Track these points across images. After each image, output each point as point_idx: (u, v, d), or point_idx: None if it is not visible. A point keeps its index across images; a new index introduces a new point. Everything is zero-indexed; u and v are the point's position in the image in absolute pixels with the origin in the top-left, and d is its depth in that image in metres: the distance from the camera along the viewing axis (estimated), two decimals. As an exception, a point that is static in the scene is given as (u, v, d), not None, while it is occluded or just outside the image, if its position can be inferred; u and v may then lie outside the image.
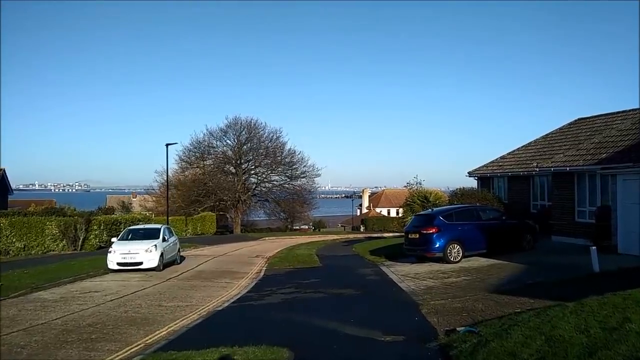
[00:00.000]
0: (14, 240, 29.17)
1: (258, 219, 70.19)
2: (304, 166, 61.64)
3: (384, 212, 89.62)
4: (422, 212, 21.77)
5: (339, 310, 11.80)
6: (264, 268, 21.83)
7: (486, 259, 18.31)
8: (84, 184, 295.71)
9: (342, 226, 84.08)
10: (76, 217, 31.87)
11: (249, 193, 60.33)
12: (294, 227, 67.88)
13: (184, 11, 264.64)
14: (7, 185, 49.49)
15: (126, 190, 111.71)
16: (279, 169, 61.46)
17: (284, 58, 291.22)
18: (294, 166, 61.23)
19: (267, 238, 45.80)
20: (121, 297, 14.24)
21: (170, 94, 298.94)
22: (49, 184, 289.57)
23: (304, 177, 62.01)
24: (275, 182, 62.70)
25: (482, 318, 9.63)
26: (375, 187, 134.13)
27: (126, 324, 10.64)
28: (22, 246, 29.34)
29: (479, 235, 18.86)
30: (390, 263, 20.39)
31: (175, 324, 10.70)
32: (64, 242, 30.46)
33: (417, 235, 18.98)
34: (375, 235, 49.09)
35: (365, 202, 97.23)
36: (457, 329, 8.72)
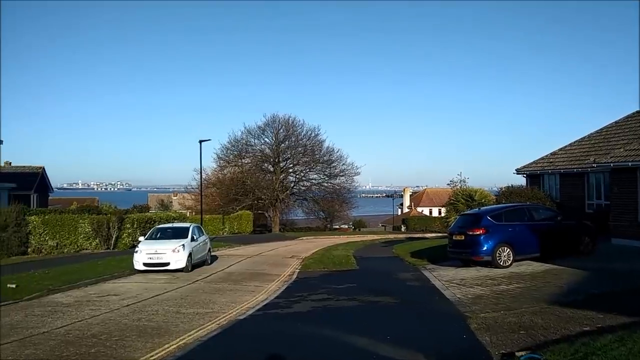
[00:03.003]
0: (46, 238, 28.72)
1: (297, 218, 69.29)
2: (343, 164, 60.43)
3: (426, 211, 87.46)
4: (467, 212, 20.12)
5: (374, 324, 10.36)
6: (298, 270, 20.57)
7: (540, 263, 16.61)
8: (126, 183, 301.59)
9: (382, 226, 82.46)
10: (109, 216, 31.30)
11: (287, 192, 59.38)
12: (333, 227, 66.65)
13: (225, 9, 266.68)
14: (47, 184, 49.92)
15: (170, 189, 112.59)
16: (318, 167, 60.38)
17: (323, 56, 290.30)
18: (333, 164, 60.04)
19: (304, 238, 44.68)
20: (139, 302, 13.17)
21: (209, 91, 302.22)
22: (92, 182, 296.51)
23: (342, 176, 60.77)
24: (313, 181, 61.65)
25: (544, 338, 8.07)
26: (417, 186, 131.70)
27: (135, 335, 9.49)
28: (55, 244, 28.85)
29: (532, 237, 17.10)
30: (432, 267, 18.85)
31: (189, 336, 9.49)
32: (97, 240, 29.90)
33: (463, 237, 17.37)
34: (417, 235, 47.41)
35: (407, 202, 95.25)
36: (516, 353, 7.19)
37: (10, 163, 48.72)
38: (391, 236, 49.01)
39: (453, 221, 21.48)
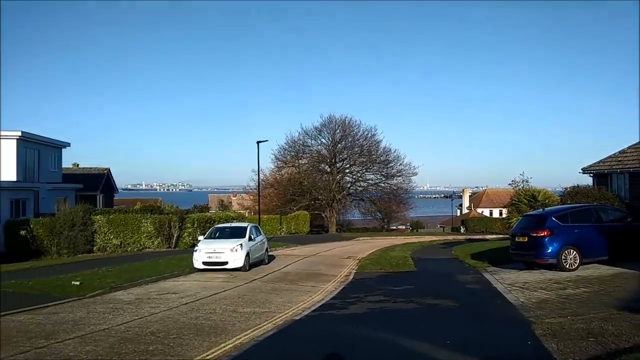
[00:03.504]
0: (111, 237, 29.68)
1: (353, 218, 69.06)
2: (400, 164, 59.76)
3: (486, 212, 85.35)
4: (531, 213, 19.40)
5: (433, 328, 10.06)
6: (354, 271, 20.39)
7: (608, 267, 15.79)
8: (187, 184, 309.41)
9: (441, 227, 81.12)
10: (170, 215, 32.04)
11: (344, 192, 59.24)
12: (391, 228, 66.06)
13: (279, 9, 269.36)
14: (112, 185, 51.70)
15: (229, 190, 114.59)
16: (374, 168, 59.97)
17: (378, 56, 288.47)
18: (390, 164, 59.46)
19: (361, 238, 44.44)
20: (197, 300, 13.33)
21: (267, 93, 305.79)
22: (155, 183, 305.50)
23: (400, 176, 60.11)
24: (370, 181, 61.28)
25: (615, 346, 7.58)
26: (476, 187, 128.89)
27: (192, 333, 9.56)
28: (119, 243, 29.79)
29: (599, 239, 16.29)
30: (494, 269, 18.26)
31: (245, 335, 9.47)
32: (158, 239, 30.65)
33: (526, 239, 16.74)
34: (477, 237, 46.37)
35: (466, 202, 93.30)
36: (586, 362, 6.78)
37: (77, 165, 50.76)
38: (450, 237, 48.10)
39: (515, 222, 20.79)
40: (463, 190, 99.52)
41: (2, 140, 31.96)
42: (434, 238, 45.72)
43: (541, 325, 9.37)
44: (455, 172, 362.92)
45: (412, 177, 61.45)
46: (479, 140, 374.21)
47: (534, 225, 16.76)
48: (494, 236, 46.44)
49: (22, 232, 26.89)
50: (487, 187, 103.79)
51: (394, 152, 59.81)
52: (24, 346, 8.29)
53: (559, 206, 20.19)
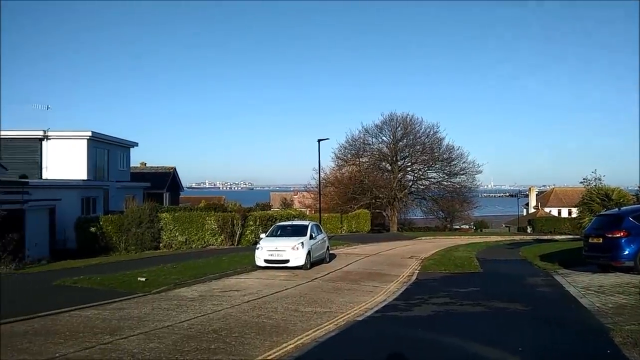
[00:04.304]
0: (176, 234, 30.34)
1: (415, 217, 68.11)
2: (463, 162, 58.43)
3: (554, 212, 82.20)
4: (606, 212, 18.39)
5: (503, 333, 9.58)
6: (417, 271, 19.94)
7: (693, 271, 14.72)
8: (249, 183, 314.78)
9: (506, 227, 78.83)
10: (233, 213, 32.45)
11: (406, 191, 58.47)
12: (454, 227, 64.73)
13: (344, 9, 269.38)
14: (178, 183, 53.05)
15: (290, 189, 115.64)
16: (437, 166, 58.87)
17: (441, 53, 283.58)
18: (453, 162, 58.24)
19: (423, 238, 43.70)
20: (259, 298, 13.30)
21: (326, 91, 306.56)
22: (218, 182, 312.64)
23: (463, 174, 58.79)
24: (432, 180, 60.25)
25: None
26: (543, 185, 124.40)
27: (253, 332, 9.48)
28: (184, 240, 30.41)
29: (682, 240, 15.23)
30: (565, 272, 17.41)
31: (307, 336, 9.30)
32: (222, 236, 31.09)
33: (601, 240, 15.86)
34: (545, 237, 44.77)
35: (533, 201, 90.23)
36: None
37: (145, 164, 52.41)
38: (516, 238, 46.64)
39: (588, 222, 19.83)
40: (529, 188, 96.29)
41: (73, 140, 33.28)
42: (499, 238, 44.45)
43: (620, 333, 8.75)
44: (520, 170, 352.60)
45: (475, 175, 60.09)
46: (546, 137, 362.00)
47: (610, 226, 15.87)
48: (563, 237, 44.70)
49: (92, 229, 27.85)
50: (554, 185, 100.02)
51: (457, 149, 58.61)
52: (90, 342, 8.42)
53: (636, 205, 19.07)
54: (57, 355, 7.55)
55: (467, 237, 47.04)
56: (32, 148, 33.17)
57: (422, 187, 60.91)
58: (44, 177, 32.47)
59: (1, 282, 9.69)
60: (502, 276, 18.39)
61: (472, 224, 70.78)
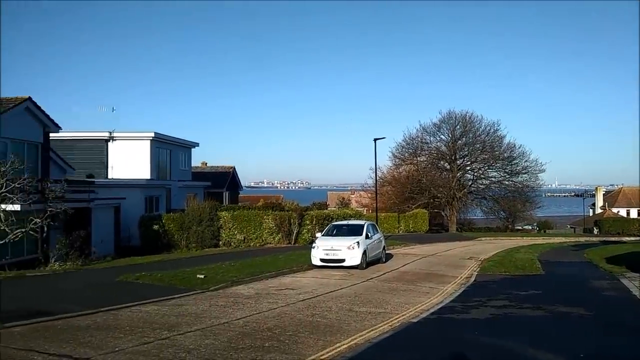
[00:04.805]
0: (235, 232, 30.83)
1: (475, 217, 66.71)
2: (526, 161, 56.61)
3: (622, 212, 78.63)
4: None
5: (563, 338, 9.23)
6: (476, 273, 19.53)
7: None
8: (306, 182, 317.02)
9: (571, 227, 76.09)
10: (290, 212, 32.68)
11: (465, 190, 57.28)
12: (515, 228, 62.96)
13: (397, 6, 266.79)
14: (237, 182, 53.93)
15: (347, 188, 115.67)
16: (497, 165, 57.34)
17: (500, 50, 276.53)
18: (514, 161, 56.54)
19: (483, 238, 42.77)
20: (314, 297, 13.34)
21: (385, 90, 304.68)
22: (275, 181, 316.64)
23: (525, 173, 56.97)
24: (493, 179, 58.72)
25: None
26: (611, 185, 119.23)
27: (307, 331, 9.51)
28: (243, 238, 30.85)
29: None
30: (633, 275, 16.64)
31: (360, 336, 9.25)
32: (279, 235, 31.37)
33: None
34: (612, 239, 42.96)
35: (599, 202, 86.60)
36: None
37: (206, 163, 53.55)
38: (582, 239, 45.00)
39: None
40: (596, 188, 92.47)
41: (137, 141, 34.39)
42: (563, 239, 43.00)
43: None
44: (586, 169, 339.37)
45: (538, 175, 58.09)
46: (612, 136, 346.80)
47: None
48: (631, 238, 42.83)
49: (155, 227, 28.70)
50: (623, 185, 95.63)
51: (519, 147, 56.85)
52: (148, 337, 8.65)
53: None
54: (117, 349, 7.81)
55: (529, 238, 45.75)
56: (99, 149, 34.46)
57: (482, 186, 59.49)
58: (109, 176, 33.68)
59: (1, 286, 10.11)
60: (566, 279, 17.76)
61: (534, 224, 68.68)
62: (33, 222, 19.30)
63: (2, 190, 18.60)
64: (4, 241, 18.80)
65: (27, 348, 7.71)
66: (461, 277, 18.20)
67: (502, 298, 13.64)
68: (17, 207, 18.93)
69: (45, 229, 20.52)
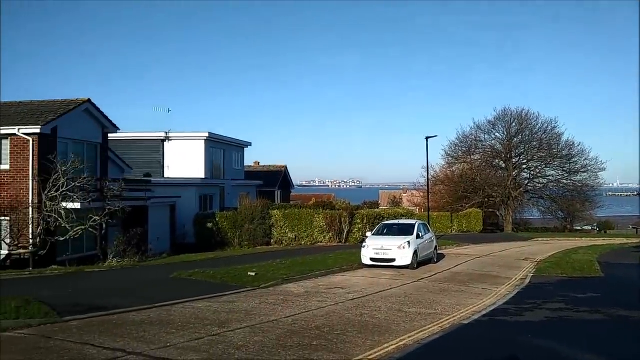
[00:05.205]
0: (286, 231, 31.12)
1: (532, 217, 64.84)
2: (585, 159, 54.54)
3: (691, 212, 74.89)
4: None
5: (622, 344, 8.87)
6: (531, 274, 19.01)
7: None
8: (357, 181, 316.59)
9: (633, 228, 72.95)
10: (341, 211, 32.71)
11: (521, 189, 55.76)
12: (574, 228, 60.90)
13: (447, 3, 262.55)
14: (289, 181, 54.43)
15: (399, 187, 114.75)
16: (555, 163, 55.51)
17: (556, 47, 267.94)
18: (573, 159, 54.61)
19: (540, 239, 41.59)
20: (363, 297, 13.30)
21: (437, 87, 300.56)
22: (327, 180, 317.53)
23: (584, 172, 54.91)
24: (550, 178, 56.87)
25: None
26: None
27: (355, 330, 9.48)
28: (294, 237, 31.11)
29: None
30: (701, 279, 15.82)
31: (409, 337, 9.15)
32: (330, 234, 31.45)
33: None
34: (679, 240, 40.89)
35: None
36: None
37: (258, 163, 54.28)
38: (645, 240, 43.07)
39: None
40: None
41: (192, 141, 35.18)
42: (625, 240, 41.25)
43: None
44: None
45: (599, 173, 55.89)
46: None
47: None
48: (701, 240, 40.66)
49: (209, 225, 29.31)
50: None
51: (578, 145, 54.88)
52: (199, 333, 8.83)
53: None
54: (169, 344, 8.00)
55: (588, 238, 44.16)
56: (155, 148, 35.46)
57: (539, 185, 57.76)
58: (165, 175, 34.60)
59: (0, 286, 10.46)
60: (626, 282, 17.11)
61: (594, 225, 66.24)
62: (92, 219, 20.05)
63: (63, 189, 19.41)
64: (64, 238, 19.63)
65: (83, 342, 8.00)
66: (516, 279, 17.76)
67: (558, 301, 13.22)
68: (77, 205, 19.72)
69: (104, 226, 21.32)
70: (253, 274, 15.82)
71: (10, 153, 19.92)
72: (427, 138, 35.65)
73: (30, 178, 19.47)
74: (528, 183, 57.59)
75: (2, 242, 19.36)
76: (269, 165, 53.54)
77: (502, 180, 55.25)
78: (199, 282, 14.70)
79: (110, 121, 23.81)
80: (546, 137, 54.46)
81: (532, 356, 8.20)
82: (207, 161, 35.52)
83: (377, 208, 45.39)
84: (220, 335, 8.74)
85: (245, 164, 44.48)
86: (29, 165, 19.54)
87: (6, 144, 20.04)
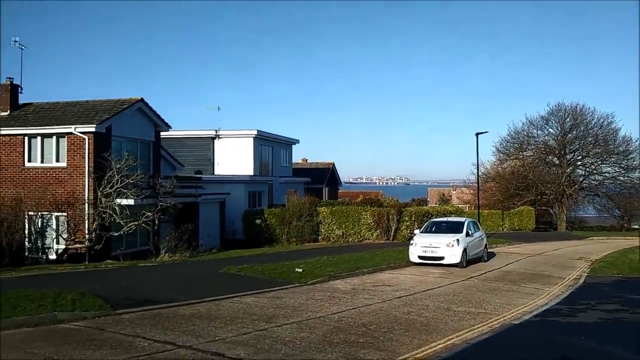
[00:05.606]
0: (334, 227, 31.14)
1: (587, 215, 62.81)
2: (644, 155, 52.39)
3: None
4: None
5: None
6: (585, 274, 18.45)
7: None
8: (405, 178, 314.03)
9: (698, 227, 69.68)
10: (388, 208, 32.50)
11: (576, 186, 54.04)
12: (632, 227, 58.62)
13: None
14: (336, 178, 54.47)
15: (448, 184, 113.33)
16: (612, 159, 53.46)
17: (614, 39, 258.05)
18: (630, 155, 52.48)
19: (595, 237, 40.21)
20: (411, 295, 13.20)
21: (487, 83, 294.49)
22: (374, 177, 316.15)
23: (644, 168, 52.77)
24: (607, 174, 54.85)
25: None
26: None
27: (402, 329, 9.42)
28: (341, 233, 31.10)
29: None
30: None
31: (457, 336, 9.03)
32: (377, 231, 31.29)
33: None
34: None
35: None
36: None
37: (306, 160, 54.53)
38: None
39: None
40: None
41: (241, 138, 35.65)
42: (688, 240, 39.43)
43: None
44: None
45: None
46: None
47: None
48: None
49: (258, 221, 29.63)
50: None
51: (636, 141, 52.77)
52: (247, 327, 8.96)
53: None
54: (217, 338, 8.15)
55: (648, 238, 42.42)
56: (206, 146, 36.11)
57: (594, 182, 55.83)
58: (215, 172, 35.19)
59: (1, 285, 10.72)
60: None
61: (655, 223, 63.62)
62: (145, 215, 20.62)
63: (117, 186, 20.02)
64: (118, 233, 20.25)
65: (135, 334, 8.25)
66: (569, 279, 17.28)
67: (613, 302, 12.80)
68: (130, 202, 20.28)
69: (156, 222, 21.86)
70: (300, 270, 15.93)
71: (67, 151, 20.67)
72: (477, 134, 35.06)
73: (86, 175, 20.14)
74: (583, 180, 55.78)
75: (60, 236, 20.15)
76: (317, 163, 53.71)
77: (555, 177, 53.68)
78: (247, 278, 14.90)
79: (162, 119, 24.38)
80: (602, 133, 52.61)
81: (585, 359, 7.95)
82: (256, 158, 35.91)
83: (426, 205, 44.89)
84: (268, 330, 8.85)
85: (293, 161, 44.77)
86: (84, 162, 20.22)
87: (63, 142, 20.79)
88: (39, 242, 20.36)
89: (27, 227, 20.11)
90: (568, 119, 53.54)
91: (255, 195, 35.15)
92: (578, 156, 54.79)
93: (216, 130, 35.96)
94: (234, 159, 35.17)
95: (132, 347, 7.51)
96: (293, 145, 43.15)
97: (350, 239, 30.84)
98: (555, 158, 55.36)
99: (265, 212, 30.23)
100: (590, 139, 52.98)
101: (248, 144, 35.70)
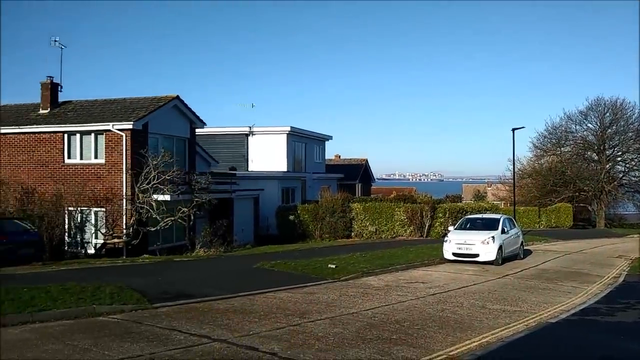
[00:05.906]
0: (367, 224, 31.08)
1: (627, 212, 61.18)
2: (686, 151, 50.78)
3: None
4: None
5: None
6: (625, 272, 18.02)
7: None
8: (438, 174, 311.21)
9: None
10: (422, 205, 32.26)
11: (615, 183, 52.66)
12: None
13: None
14: (369, 174, 54.29)
15: (483, 180, 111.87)
16: (654, 155, 52.03)
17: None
18: (673, 151, 50.99)
19: (635, 235, 39.15)
20: (445, 292, 13.10)
21: (525, 78, 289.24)
22: (407, 173, 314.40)
23: (688, 164, 51.17)
24: (647, 171, 53.38)
25: None
26: None
27: (436, 326, 9.37)
28: (374, 230, 31.02)
29: None
30: None
31: (492, 334, 8.94)
32: (411, 228, 31.11)
33: None
34: None
35: None
36: None
37: (339, 156, 54.50)
38: None
39: None
40: None
41: (274, 135, 35.87)
42: None
43: None
44: None
45: None
46: None
47: None
48: None
49: (291, 217, 29.81)
50: None
51: (677, 136, 51.14)
52: (280, 322, 9.05)
53: None
54: (251, 332, 8.25)
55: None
56: (240, 143, 36.44)
57: (635, 178, 54.34)
58: (249, 169, 35.49)
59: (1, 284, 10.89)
60: None
61: (699, 221, 61.65)
62: (181, 211, 20.94)
63: (154, 182, 20.37)
64: (155, 228, 20.62)
65: (171, 327, 8.41)
66: (608, 277, 16.90)
67: (655, 301, 12.47)
68: (167, 197, 20.63)
69: (192, 217, 22.17)
70: (333, 266, 15.96)
71: (105, 148, 21.11)
72: (513, 130, 34.46)
73: (124, 171, 20.55)
74: (623, 176, 54.34)
75: (98, 231, 20.62)
76: (350, 159, 53.62)
77: (594, 174, 52.43)
78: (280, 273, 15.01)
79: (197, 116, 24.68)
80: (643, 128, 51.16)
81: (622, 358, 7.78)
82: (289, 154, 36.07)
83: (460, 202, 44.42)
84: (301, 325, 8.91)
85: (326, 158, 44.80)
86: (122, 159, 20.64)
87: (101, 139, 21.25)
88: (78, 236, 20.91)
89: (66, 222, 20.67)
90: (608, 114, 52.18)
91: (288, 191, 35.33)
92: (618, 152, 53.37)
93: (250, 127, 36.26)
94: (268, 155, 35.40)
95: (168, 340, 7.66)
96: (326, 142, 43.18)
97: (384, 236, 30.72)
98: (594, 154, 54.07)
99: (299, 208, 30.38)
100: (630, 134, 51.56)
101: (281, 141, 35.88)
